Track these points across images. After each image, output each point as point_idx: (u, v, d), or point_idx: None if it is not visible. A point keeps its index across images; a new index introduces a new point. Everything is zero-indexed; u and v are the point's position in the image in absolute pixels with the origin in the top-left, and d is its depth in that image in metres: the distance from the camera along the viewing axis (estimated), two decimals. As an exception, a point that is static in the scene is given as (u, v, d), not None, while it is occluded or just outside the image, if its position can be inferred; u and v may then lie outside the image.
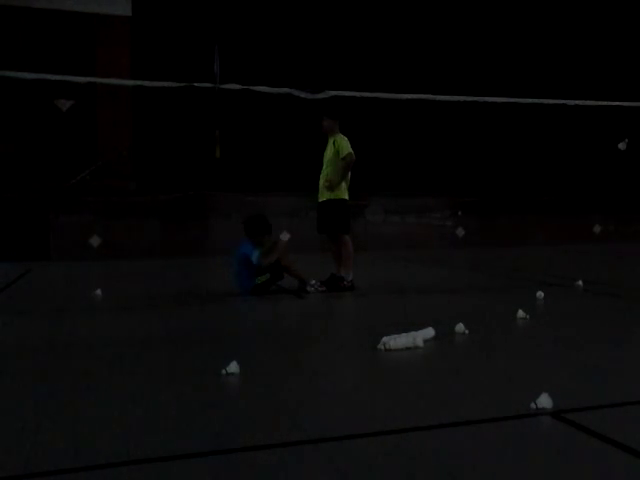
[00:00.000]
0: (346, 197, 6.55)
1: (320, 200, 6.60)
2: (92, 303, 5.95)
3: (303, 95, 6.65)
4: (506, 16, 16.75)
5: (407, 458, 1.99)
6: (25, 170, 13.66)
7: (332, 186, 6.38)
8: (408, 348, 3.52)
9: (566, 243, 15.09)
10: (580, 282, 6.47)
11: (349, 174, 6.56)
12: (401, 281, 7.71)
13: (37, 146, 14.01)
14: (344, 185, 6.52)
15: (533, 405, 2.41)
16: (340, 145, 6.37)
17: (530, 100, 8.02)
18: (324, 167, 6.58)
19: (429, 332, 3.76)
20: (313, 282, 6.42)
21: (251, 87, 6.59)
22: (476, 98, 7.60)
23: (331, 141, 6.53)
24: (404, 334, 3.61)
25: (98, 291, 6.40)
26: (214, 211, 13.97)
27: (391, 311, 5.22)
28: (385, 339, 3.54)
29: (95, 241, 12.86)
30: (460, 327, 3.97)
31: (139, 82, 8.76)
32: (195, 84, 6.55)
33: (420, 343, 3.59)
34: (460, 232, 15.46)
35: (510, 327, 4.30)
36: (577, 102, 8.09)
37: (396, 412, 2.44)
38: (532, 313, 4.62)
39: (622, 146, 8.71)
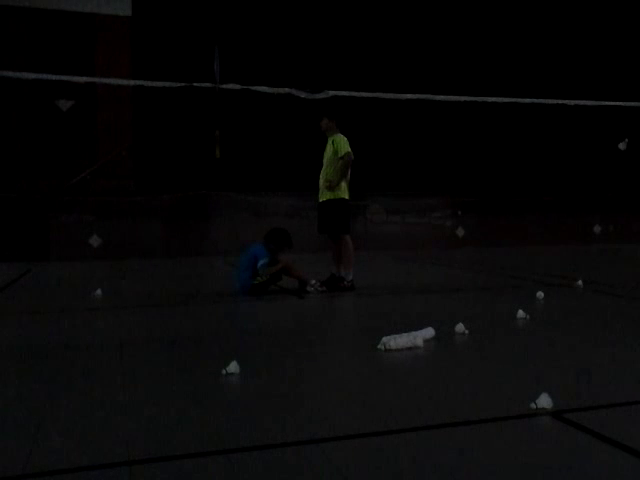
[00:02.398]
0: (346, 197, 6.54)
1: (320, 200, 6.60)
2: (92, 303, 5.95)
3: (303, 95, 6.65)
4: (506, 16, 16.75)
5: (407, 458, 1.99)
6: (25, 170, 13.66)
7: (332, 186, 6.38)
8: (408, 348, 3.52)
9: (566, 243, 15.09)
10: (580, 282, 6.47)
11: (349, 173, 6.56)
12: (401, 281, 7.71)
13: (37, 146, 14.00)
14: (344, 185, 6.51)
15: (533, 405, 2.41)
16: (339, 145, 6.38)
17: (530, 100, 8.03)
18: (324, 167, 6.57)
19: (429, 332, 3.76)
20: (313, 282, 6.41)
21: (251, 87, 6.59)
22: (476, 98, 7.61)
23: (330, 141, 6.53)
24: (404, 334, 3.61)
25: (98, 291, 6.40)
26: (214, 211, 13.96)
27: (391, 311, 5.22)
28: (385, 339, 3.54)
29: (95, 241, 12.86)
30: (460, 327, 3.97)
31: (139, 82, 8.78)
32: (195, 84, 6.55)
33: (420, 343, 3.59)
34: (460, 232, 15.46)
35: (510, 327, 4.30)
36: (577, 102, 8.10)
37: (396, 412, 2.44)
38: (532, 313, 4.62)
39: (622, 146, 8.71)
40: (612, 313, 4.95)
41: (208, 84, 6.77)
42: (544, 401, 2.41)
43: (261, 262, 6.17)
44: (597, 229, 16.26)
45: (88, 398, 2.70)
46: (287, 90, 6.59)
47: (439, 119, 15.47)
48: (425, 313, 5.01)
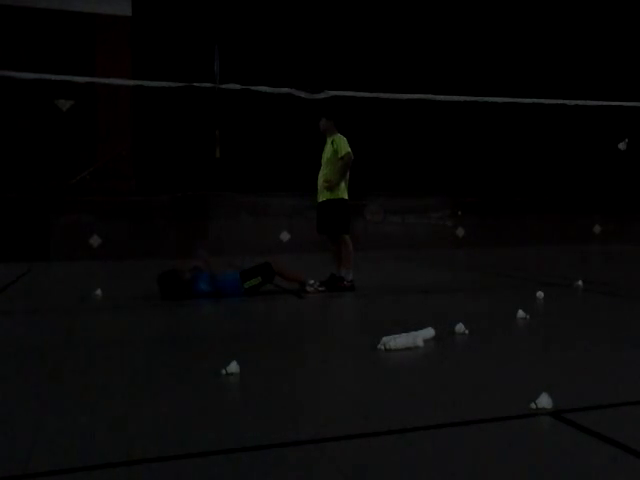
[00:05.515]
0: (345, 197, 6.54)
1: (319, 200, 6.60)
2: (92, 303, 5.95)
3: (303, 95, 6.65)
4: (506, 16, 16.75)
5: (407, 458, 1.99)
6: (25, 170, 13.66)
7: (331, 186, 6.37)
8: (408, 348, 3.52)
9: (566, 243, 15.09)
10: (580, 282, 6.47)
11: (348, 173, 6.56)
12: (401, 281, 7.71)
13: (37, 146, 14.01)
14: (343, 185, 6.51)
15: (533, 405, 2.41)
16: (338, 145, 6.37)
17: (530, 100, 8.02)
18: (323, 167, 6.57)
19: (429, 332, 3.76)
20: (313, 282, 6.41)
21: (251, 87, 6.59)
22: (476, 98, 7.61)
23: (329, 141, 6.53)
24: (404, 334, 3.61)
25: (98, 291, 6.40)
26: (214, 211, 13.97)
27: (391, 311, 5.22)
28: (385, 339, 3.54)
29: (95, 241, 12.87)
30: (460, 327, 3.97)
31: (139, 82, 8.77)
32: (195, 84, 6.55)
33: (420, 343, 3.59)
34: (460, 232, 15.46)
35: (510, 327, 4.30)
36: (577, 102, 8.10)
37: (396, 412, 2.44)
38: (532, 313, 4.62)
39: (622, 146, 8.71)
40: (612, 313, 4.95)
41: (208, 84, 6.77)
42: (544, 401, 2.41)
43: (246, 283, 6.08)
44: (597, 229, 16.27)
45: (88, 398, 2.70)
46: (287, 90, 6.59)
47: (439, 119, 15.48)
48: (425, 313, 5.01)
